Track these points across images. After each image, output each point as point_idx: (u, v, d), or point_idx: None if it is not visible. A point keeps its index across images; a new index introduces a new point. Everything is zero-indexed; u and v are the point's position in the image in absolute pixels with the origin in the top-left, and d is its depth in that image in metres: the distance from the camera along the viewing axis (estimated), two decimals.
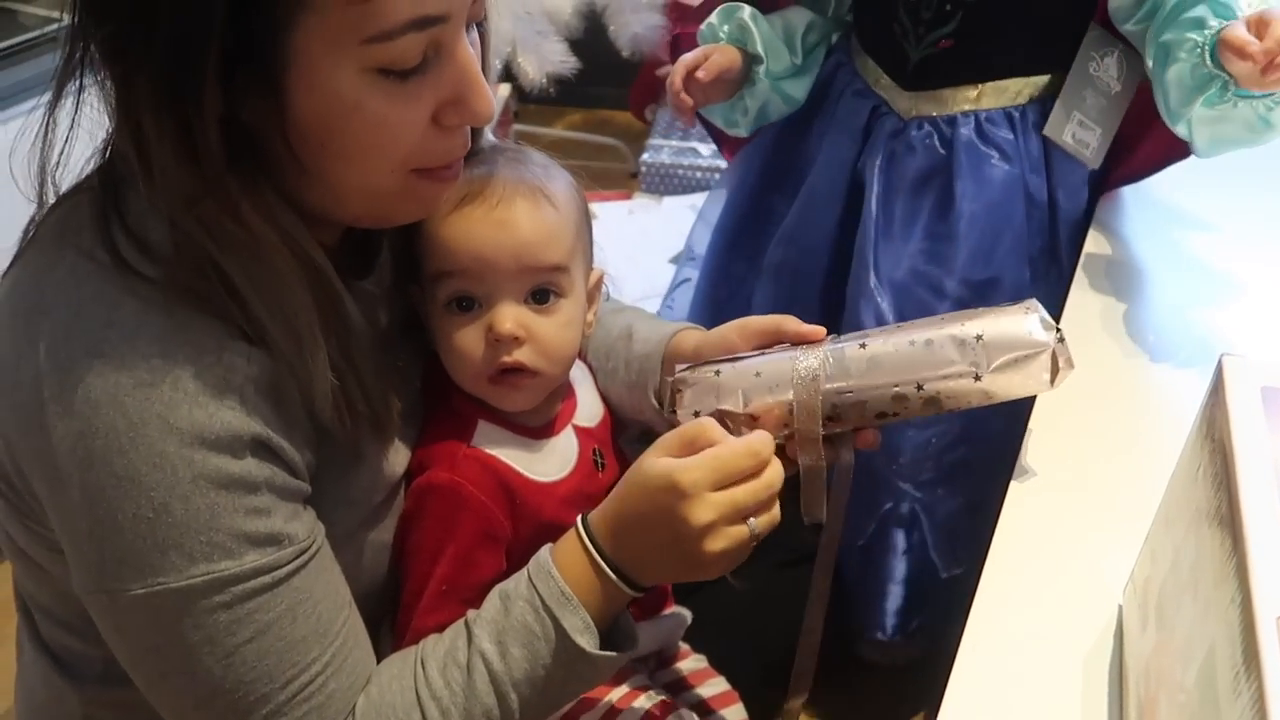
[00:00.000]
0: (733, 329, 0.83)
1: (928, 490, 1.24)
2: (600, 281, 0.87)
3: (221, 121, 0.61)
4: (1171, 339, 1.03)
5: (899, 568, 1.27)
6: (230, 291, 0.64)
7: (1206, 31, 0.98)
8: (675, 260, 1.94)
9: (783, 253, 1.34)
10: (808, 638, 0.83)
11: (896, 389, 0.74)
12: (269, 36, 0.60)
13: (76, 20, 0.63)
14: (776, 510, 0.71)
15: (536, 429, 0.82)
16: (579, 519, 0.73)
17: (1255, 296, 1.08)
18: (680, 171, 2.33)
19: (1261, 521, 0.51)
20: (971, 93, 1.20)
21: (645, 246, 1.98)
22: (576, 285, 0.81)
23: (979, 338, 0.73)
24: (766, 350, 0.80)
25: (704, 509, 0.68)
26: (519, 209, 0.77)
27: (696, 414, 0.77)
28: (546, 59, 2.11)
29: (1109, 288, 1.10)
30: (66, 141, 0.66)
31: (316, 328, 0.66)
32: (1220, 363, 0.60)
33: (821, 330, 0.80)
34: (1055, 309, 1.03)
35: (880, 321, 1.20)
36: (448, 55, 0.65)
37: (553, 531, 0.76)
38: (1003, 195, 1.19)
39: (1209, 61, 0.97)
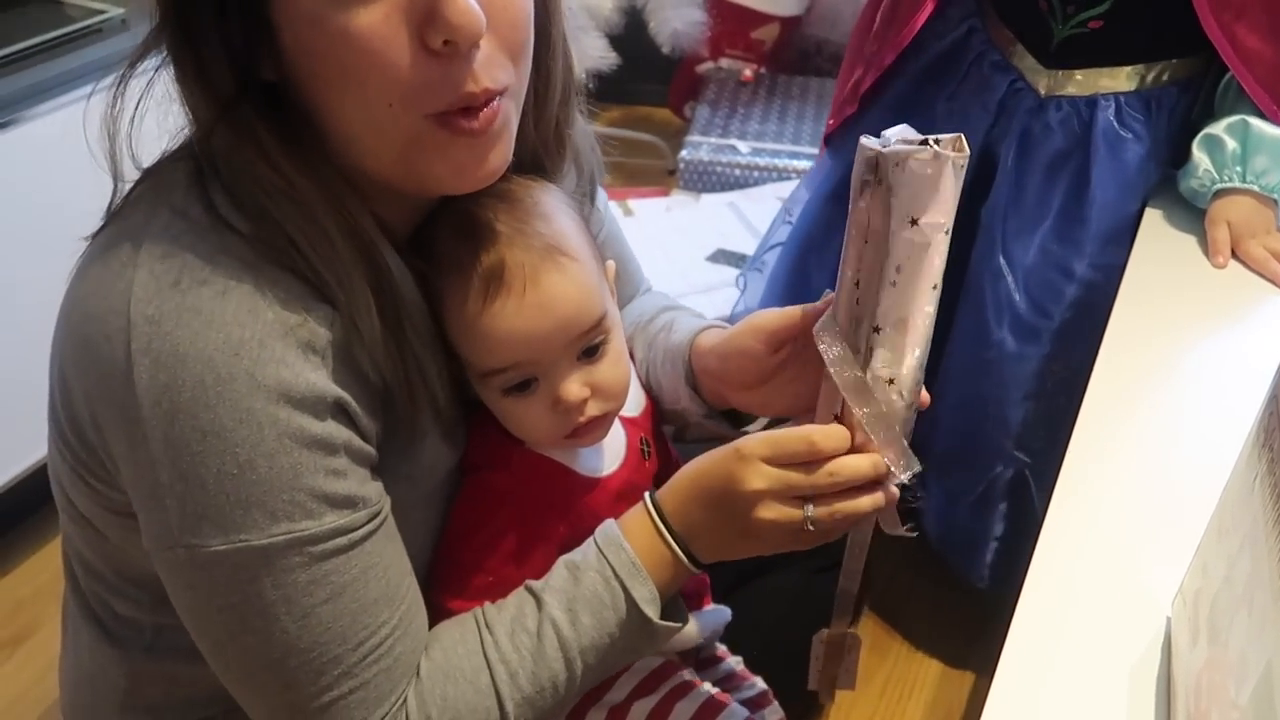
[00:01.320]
0: (745, 331, 0.81)
1: (1039, 456, 1.26)
2: (614, 271, 0.85)
3: (234, 67, 0.64)
4: (1228, 343, 1.01)
5: (1000, 526, 1.32)
6: (290, 242, 0.65)
7: (1210, 184, 1.14)
8: (713, 257, 1.94)
9: None
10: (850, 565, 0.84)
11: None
12: None
13: None
14: (841, 507, 0.70)
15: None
16: (646, 495, 0.75)
17: None
18: (719, 169, 2.32)
19: None
20: (1115, 75, 1.20)
21: (682, 243, 1.97)
22: (612, 313, 0.79)
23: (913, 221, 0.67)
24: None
25: (756, 476, 0.70)
26: (547, 284, 0.73)
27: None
28: (586, 54, 2.10)
29: (1160, 289, 1.08)
30: (135, 113, 0.67)
31: (364, 293, 0.67)
32: None
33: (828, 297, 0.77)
34: None
35: (1007, 302, 1.23)
36: None
37: None
38: (1136, 179, 1.20)
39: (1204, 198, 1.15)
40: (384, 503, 0.70)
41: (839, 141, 1.43)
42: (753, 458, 0.70)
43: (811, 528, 0.70)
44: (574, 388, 0.76)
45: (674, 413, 0.91)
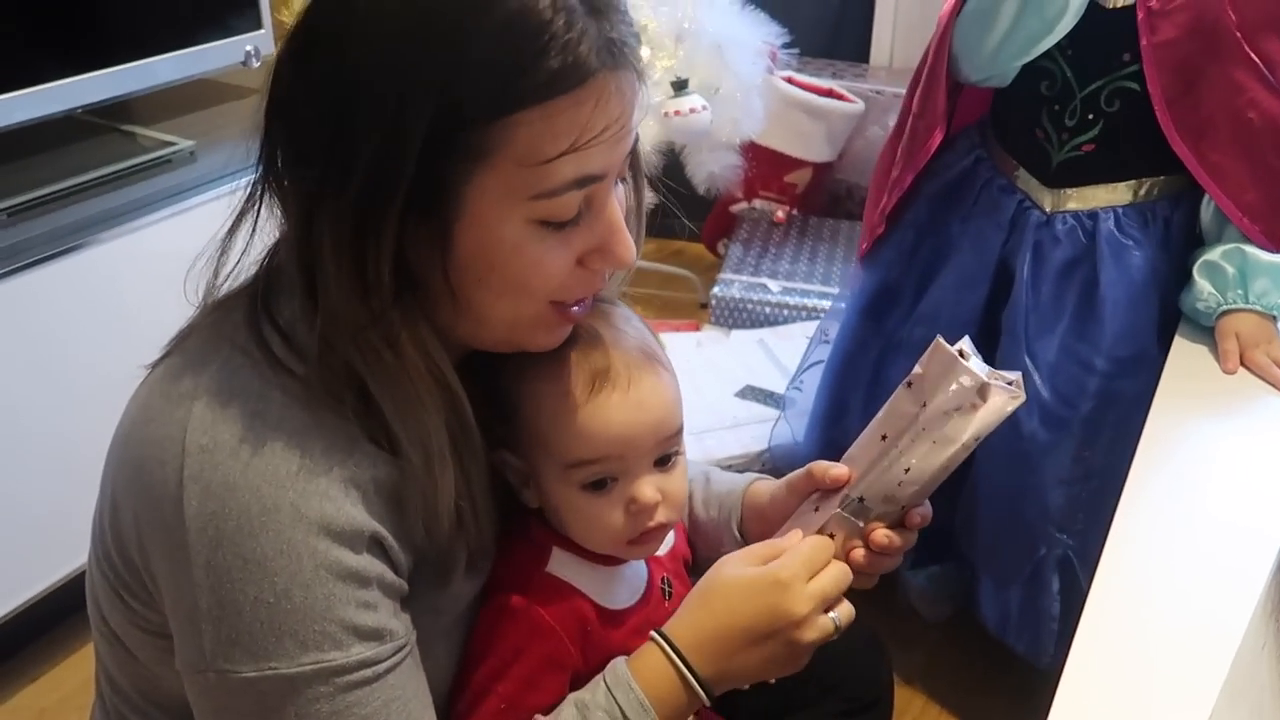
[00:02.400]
0: (783, 485, 0.87)
1: (1079, 537, 1.35)
2: None
3: (394, 262, 0.67)
4: (1256, 445, 1.07)
5: (1055, 605, 1.39)
6: (370, 408, 0.68)
7: (1216, 306, 1.25)
8: (741, 393, 1.97)
9: (922, 330, 1.46)
10: None
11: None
12: (448, 188, 0.66)
13: (266, 162, 0.70)
14: (849, 605, 0.76)
15: (608, 557, 0.84)
16: (654, 634, 0.76)
17: None
18: (749, 306, 2.38)
19: None
20: (1112, 190, 1.35)
21: (712, 379, 2.01)
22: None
23: (976, 438, 0.76)
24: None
25: (802, 600, 0.73)
26: (647, 386, 0.79)
27: None
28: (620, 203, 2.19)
29: (1196, 390, 1.16)
30: (239, 260, 0.73)
31: (447, 449, 0.70)
32: None
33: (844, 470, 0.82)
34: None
35: (1035, 397, 1.34)
36: (598, 208, 0.71)
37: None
38: (1142, 279, 1.33)
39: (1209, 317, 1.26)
40: (410, 636, 0.72)
41: (870, 260, 1.57)
42: (796, 582, 0.73)
43: (837, 633, 0.74)
44: (649, 490, 0.79)
45: (711, 553, 0.93)
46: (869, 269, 1.58)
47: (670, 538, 0.91)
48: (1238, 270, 1.26)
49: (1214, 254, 1.28)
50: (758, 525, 0.89)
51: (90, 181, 1.64)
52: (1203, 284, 1.28)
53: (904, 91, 2.62)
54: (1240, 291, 1.25)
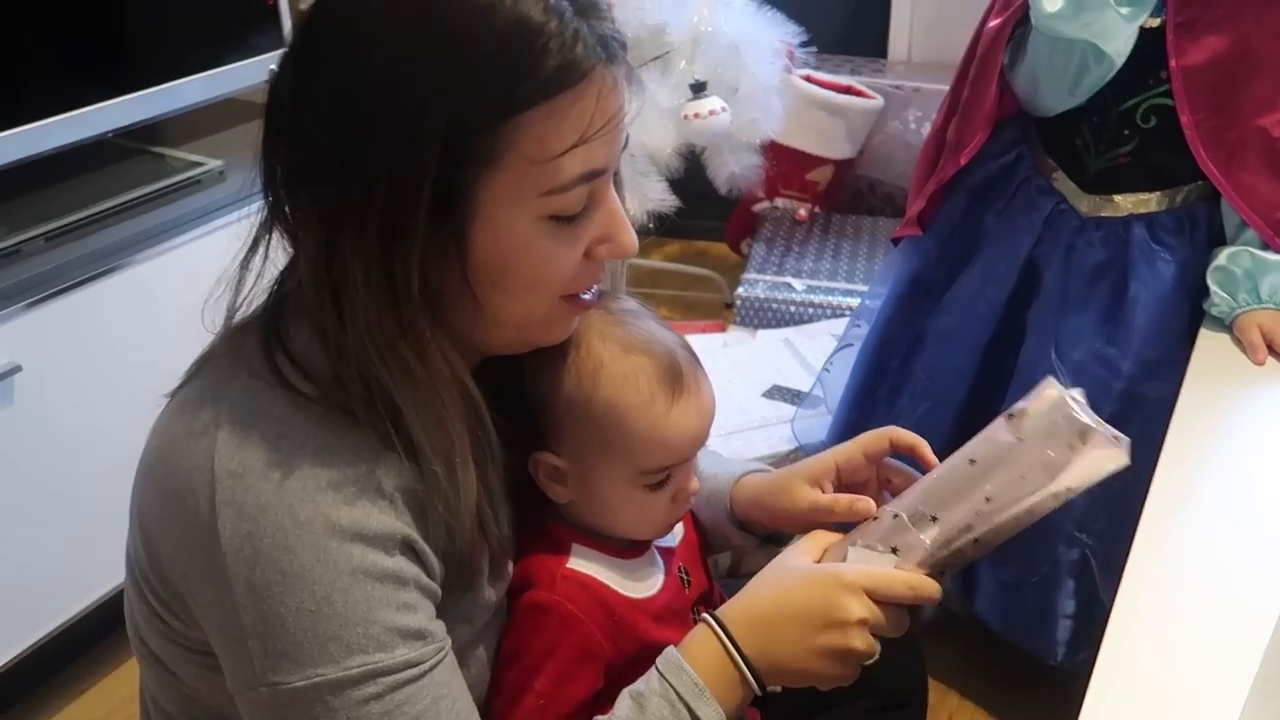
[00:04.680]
0: (785, 497, 0.89)
1: (1099, 538, 1.36)
2: None
3: (421, 271, 0.69)
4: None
5: (1069, 604, 1.40)
6: (393, 418, 0.70)
7: (1230, 310, 1.27)
8: (769, 393, 1.98)
9: (946, 321, 1.50)
10: None
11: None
12: (462, 193, 0.68)
13: (275, 186, 0.71)
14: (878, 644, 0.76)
15: (626, 550, 0.86)
16: (707, 616, 0.77)
17: None
18: (774, 305, 2.38)
19: None
20: (1146, 199, 1.37)
21: (739, 379, 2.02)
22: None
23: (1068, 489, 0.74)
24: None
25: (860, 606, 0.73)
26: (705, 388, 0.83)
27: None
28: (648, 197, 2.20)
29: (1220, 387, 1.16)
30: (253, 285, 0.75)
31: (469, 456, 0.72)
32: None
33: (870, 504, 0.84)
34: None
35: None
36: (600, 199, 0.73)
37: (650, 648, 0.79)
38: (1173, 284, 1.35)
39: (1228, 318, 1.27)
40: (448, 641, 0.73)
41: (906, 248, 1.59)
42: (857, 588, 0.74)
43: (868, 659, 0.75)
44: (695, 481, 0.86)
45: (720, 539, 0.96)
46: (905, 257, 1.60)
47: (679, 528, 0.92)
48: (1246, 272, 1.27)
49: (1222, 258, 1.30)
50: (759, 514, 0.92)
51: (124, 204, 1.67)
52: (1215, 289, 1.30)
53: (923, 85, 2.66)
54: (1251, 292, 1.27)
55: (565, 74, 0.67)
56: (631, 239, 0.76)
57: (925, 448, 0.85)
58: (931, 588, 0.75)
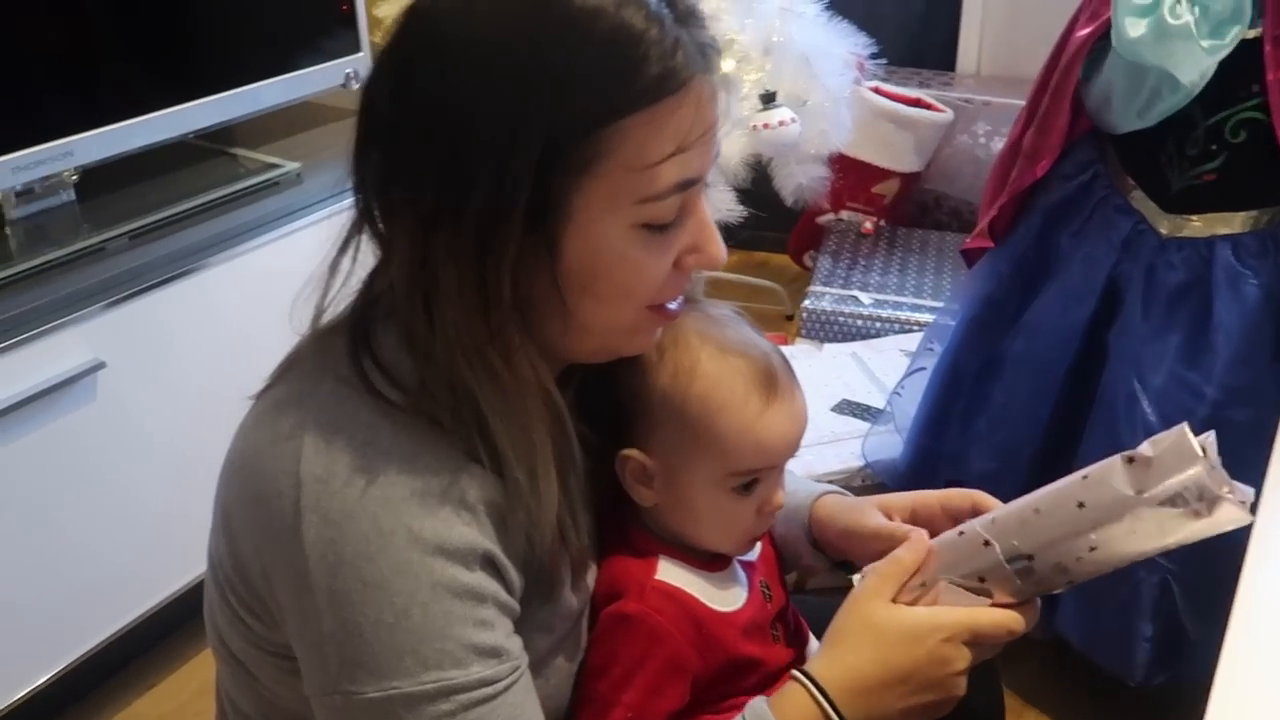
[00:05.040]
0: (935, 503, 0.87)
1: (1182, 564, 1.33)
2: None
3: (513, 278, 0.68)
4: None
5: (1149, 627, 1.38)
6: (479, 426, 0.70)
7: None
8: (838, 408, 1.96)
9: (1024, 343, 1.47)
10: None
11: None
12: (557, 199, 0.68)
13: (367, 188, 0.72)
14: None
15: (711, 562, 0.85)
16: (797, 672, 0.76)
17: None
18: (841, 319, 2.36)
19: None
20: (1230, 220, 1.33)
21: (808, 393, 1.99)
22: None
23: (1179, 544, 0.70)
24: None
25: (962, 658, 0.73)
26: (798, 397, 0.82)
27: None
28: (715, 207, 2.19)
29: None
30: (341, 286, 0.75)
31: (551, 464, 0.71)
32: None
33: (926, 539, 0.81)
34: None
35: (1142, 421, 1.32)
36: (692, 209, 0.73)
37: (737, 662, 0.79)
38: (1258, 307, 1.32)
39: None
40: (524, 659, 0.72)
41: (979, 270, 1.57)
42: (958, 641, 0.73)
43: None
44: (781, 495, 0.84)
45: (793, 558, 0.95)
46: (978, 279, 1.58)
47: (758, 544, 0.91)
48: None
49: None
50: (831, 534, 0.91)
51: (205, 204, 1.69)
52: None
53: (992, 99, 2.63)
54: None
55: (666, 81, 0.67)
56: (721, 250, 0.75)
57: None
58: (1031, 621, 0.75)
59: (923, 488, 1.64)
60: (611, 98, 0.66)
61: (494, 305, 0.68)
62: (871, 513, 0.88)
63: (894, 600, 0.77)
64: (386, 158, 0.70)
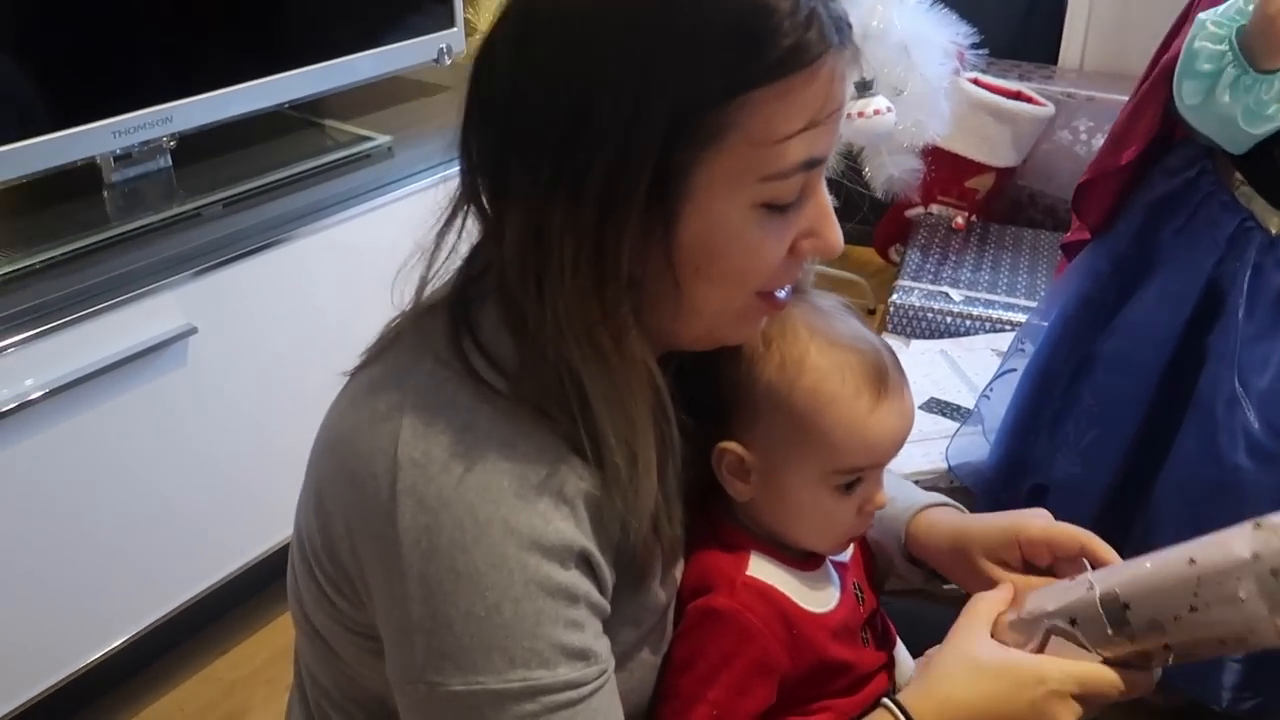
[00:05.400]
0: (970, 542, 0.85)
1: None
2: None
3: (632, 253, 0.66)
4: None
5: None
6: (581, 408, 0.67)
7: None
8: (926, 405, 1.91)
9: (1118, 343, 1.41)
10: None
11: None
12: (678, 174, 0.65)
13: (476, 159, 0.70)
14: None
15: (804, 561, 0.83)
16: (888, 701, 0.73)
17: None
18: (930, 315, 2.30)
19: None
20: None
21: None
22: None
23: None
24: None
25: (1069, 713, 0.70)
26: (907, 394, 0.80)
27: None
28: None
29: None
30: (445, 260, 0.73)
31: (652, 449, 0.69)
32: None
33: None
34: None
35: (1243, 427, 1.27)
36: (812, 191, 0.69)
37: (827, 665, 0.77)
38: None
39: None
40: (610, 662, 0.70)
41: (1076, 268, 1.52)
42: (1066, 695, 0.71)
43: None
44: (883, 495, 0.81)
45: (885, 570, 0.92)
46: (1076, 276, 1.52)
47: (851, 544, 0.89)
48: None
49: None
50: (930, 558, 0.88)
51: (297, 175, 1.70)
52: None
53: (1096, 94, 2.56)
54: None
55: (799, 54, 0.64)
56: (838, 237, 0.72)
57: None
58: (1144, 686, 0.72)
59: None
60: (741, 69, 0.63)
61: (609, 281, 0.66)
62: (979, 563, 0.84)
63: (997, 638, 0.74)
64: (502, 131, 0.68)
